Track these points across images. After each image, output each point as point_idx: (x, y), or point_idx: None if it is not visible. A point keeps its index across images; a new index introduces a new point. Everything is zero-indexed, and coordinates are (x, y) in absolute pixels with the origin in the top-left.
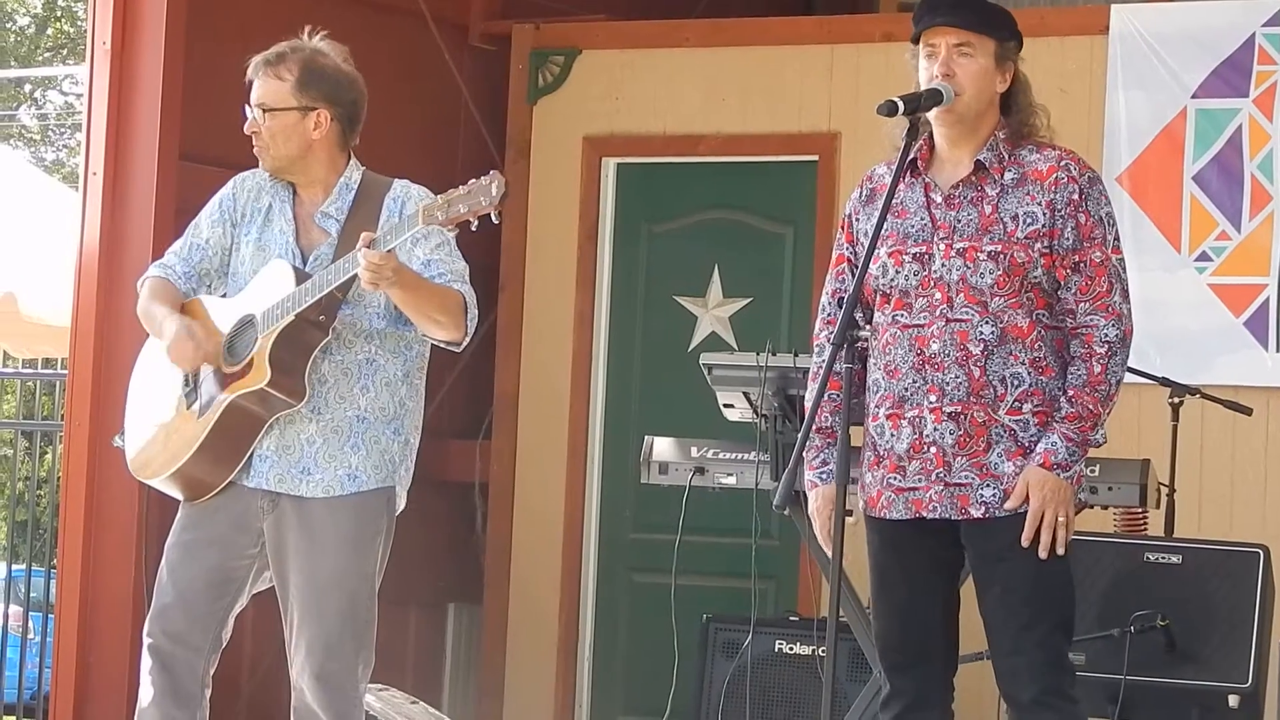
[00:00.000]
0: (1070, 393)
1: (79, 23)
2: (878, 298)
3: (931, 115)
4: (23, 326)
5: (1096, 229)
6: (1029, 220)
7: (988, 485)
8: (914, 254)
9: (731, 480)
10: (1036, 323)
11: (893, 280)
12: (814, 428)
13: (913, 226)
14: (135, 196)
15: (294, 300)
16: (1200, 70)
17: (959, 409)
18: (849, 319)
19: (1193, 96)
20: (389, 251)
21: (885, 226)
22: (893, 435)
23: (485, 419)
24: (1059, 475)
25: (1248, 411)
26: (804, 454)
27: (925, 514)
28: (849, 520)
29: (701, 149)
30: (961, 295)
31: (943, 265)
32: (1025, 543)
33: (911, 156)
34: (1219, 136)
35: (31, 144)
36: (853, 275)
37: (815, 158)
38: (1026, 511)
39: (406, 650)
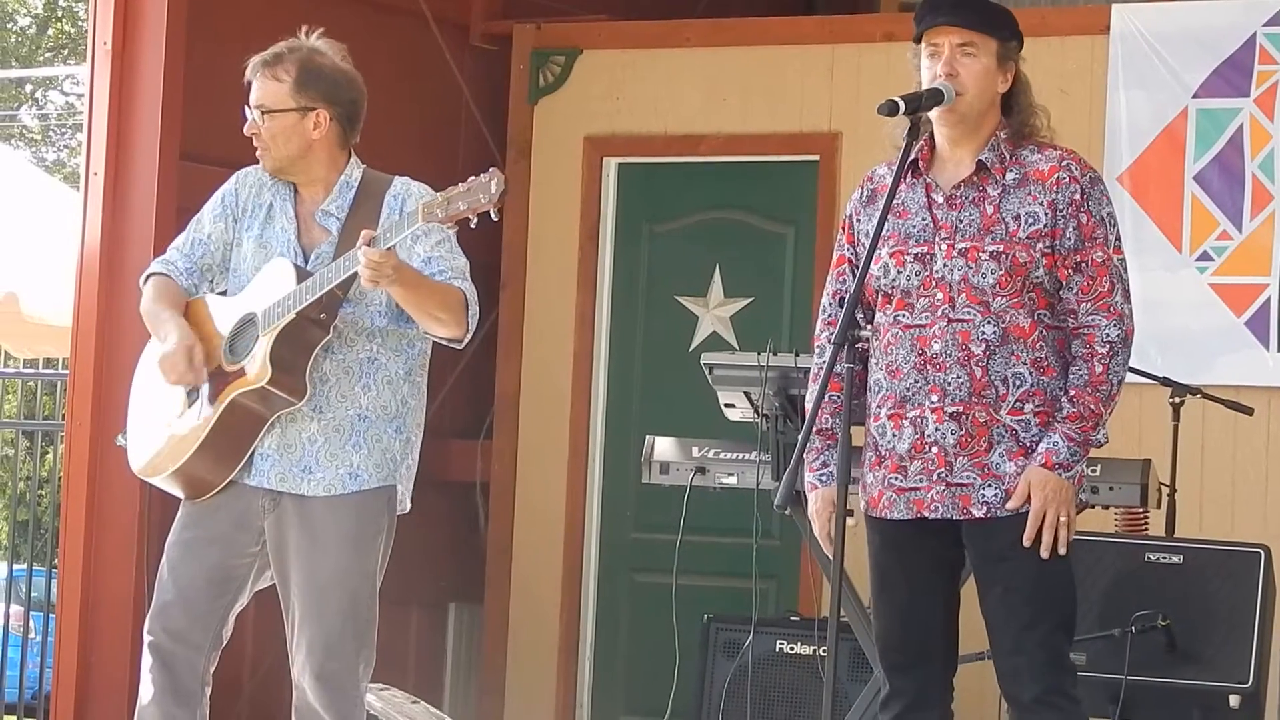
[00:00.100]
0: (1072, 393)
1: (80, 23)
2: (879, 298)
3: (933, 115)
4: (24, 326)
5: (1098, 229)
6: (1031, 220)
7: (989, 485)
8: (916, 254)
9: (732, 480)
10: (1038, 323)
11: (894, 280)
12: (814, 429)
13: (914, 227)
14: (136, 196)
15: (295, 298)
16: (1201, 70)
17: (960, 409)
18: (850, 319)
19: (1194, 96)
20: (389, 249)
21: (886, 227)
22: (894, 435)
23: (486, 419)
24: (1060, 475)
25: (1249, 411)
26: (804, 455)
27: (927, 514)
28: (850, 522)
29: (702, 149)
30: (963, 295)
31: (944, 265)
32: (1027, 543)
33: (912, 157)
34: (1220, 136)
35: (32, 144)
36: (854, 276)
37: (816, 158)
38: (1028, 511)
39: (407, 650)
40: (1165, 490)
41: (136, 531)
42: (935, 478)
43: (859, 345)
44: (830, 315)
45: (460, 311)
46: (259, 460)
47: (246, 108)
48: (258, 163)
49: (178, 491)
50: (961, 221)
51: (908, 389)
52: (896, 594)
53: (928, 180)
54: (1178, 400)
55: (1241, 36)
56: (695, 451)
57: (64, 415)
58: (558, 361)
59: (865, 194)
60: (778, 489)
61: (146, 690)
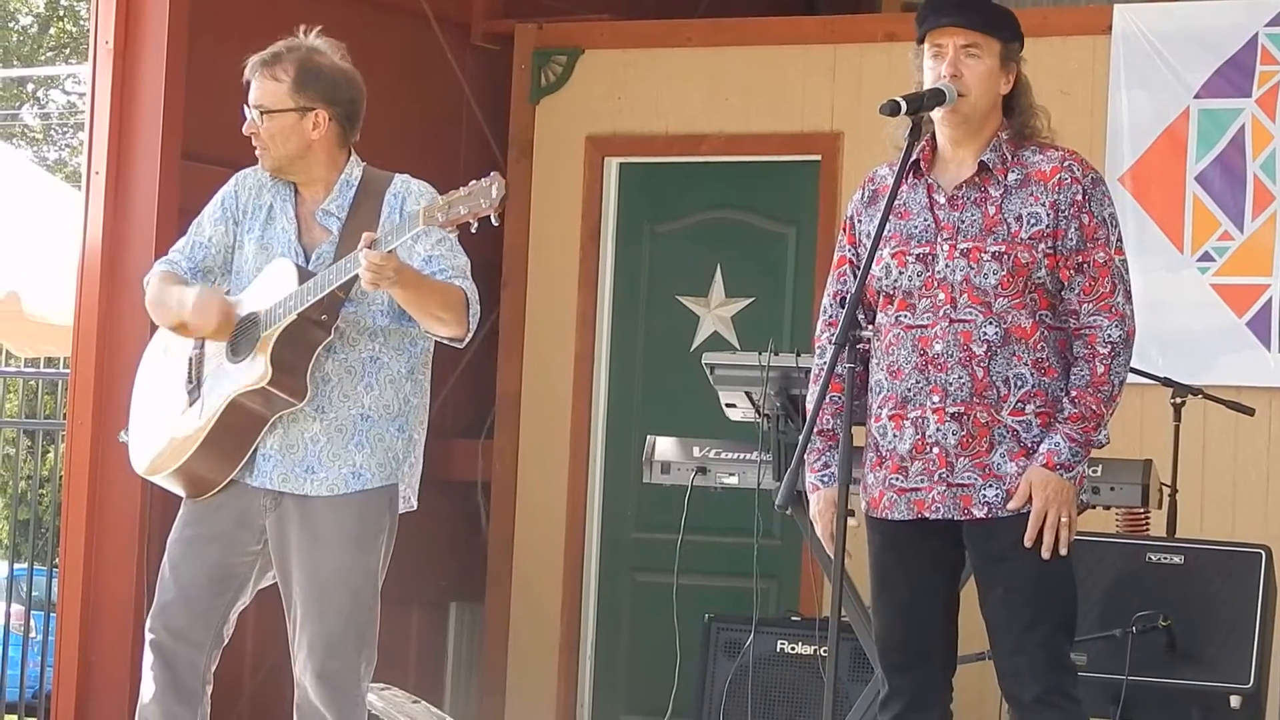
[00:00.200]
0: (1073, 393)
1: (81, 22)
2: (880, 298)
3: (935, 116)
4: (25, 325)
5: (1100, 230)
6: (1033, 221)
7: (990, 486)
8: (917, 255)
9: (733, 480)
10: (1040, 323)
11: (896, 281)
12: (815, 430)
13: (916, 227)
14: (138, 196)
15: (296, 299)
16: (1203, 70)
17: (962, 409)
18: (851, 319)
19: (1195, 96)
20: (390, 252)
21: (888, 227)
22: (895, 436)
23: (487, 418)
24: (1062, 476)
25: (1250, 412)
26: (805, 456)
27: (928, 515)
28: (851, 523)
29: (704, 149)
30: (965, 296)
31: (946, 266)
32: (1028, 543)
33: (914, 158)
34: (1221, 136)
35: (34, 143)
36: (855, 276)
37: (818, 157)
38: (1029, 512)
39: (409, 649)
40: (1166, 491)
41: (137, 531)
42: (936, 478)
43: (860, 346)
44: (831, 316)
45: (461, 310)
46: (261, 460)
47: (245, 107)
48: (259, 162)
49: (179, 490)
50: (963, 222)
51: (909, 389)
52: (897, 594)
53: (929, 181)
54: (1179, 401)
55: (1243, 37)
56: (696, 451)
57: (65, 414)
58: (559, 361)
59: (866, 195)
60: (779, 489)
61: (148, 688)
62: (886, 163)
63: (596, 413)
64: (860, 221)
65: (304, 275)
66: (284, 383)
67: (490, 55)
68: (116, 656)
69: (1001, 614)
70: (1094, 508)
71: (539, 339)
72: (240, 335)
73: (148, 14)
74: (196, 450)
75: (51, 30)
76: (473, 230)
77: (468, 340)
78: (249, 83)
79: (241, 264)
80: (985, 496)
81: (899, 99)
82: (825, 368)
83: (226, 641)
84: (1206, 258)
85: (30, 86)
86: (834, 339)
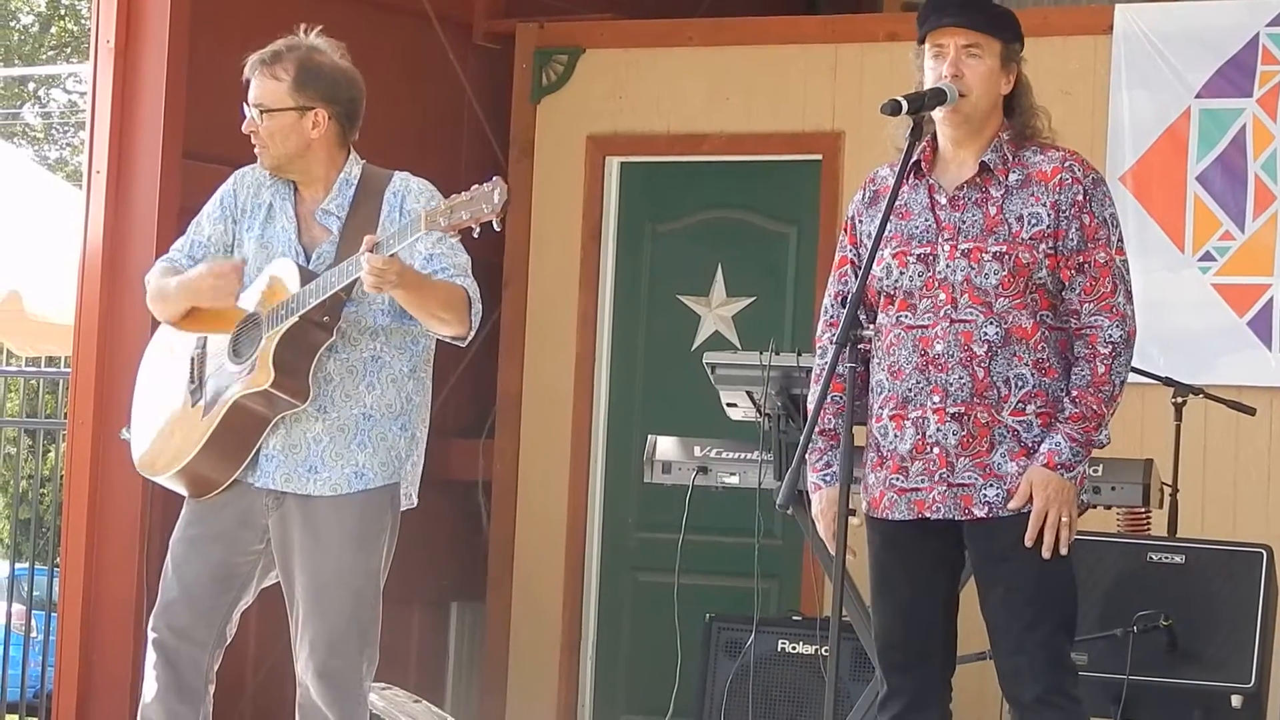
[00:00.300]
0: (1074, 393)
1: (83, 21)
2: (881, 299)
3: (937, 116)
4: (27, 325)
5: (1101, 230)
6: (1034, 221)
7: (991, 485)
8: (918, 255)
9: (734, 479)
10: (1040, 324)
11: (897, 281)
12: (817, 429)
13: (917, 228)
14: (139, 195)
15: (298, 301)
16: (1204, 70)
17: (962, 410)
18: (852, 319)
19: (1196, 96)
20: (392, 255)
21: (889, 228)
22: (896, 436)
23: (488, 418)
24: (1063, 475)
25: (1251, 411)
26: (807, 456)
27: (928, 515)
28: (854, 522)
29: (705, 148)
30: (966, 296)
31: (947, 266)
32: (1028, 543)
33: (915, 158)
34: (1223, 136)
35: (35, 142)
36: (856, 276)
37: (819, 157)
38: (1029, 512)
39: (410, 649)
40: (1167, 490)
41: (138, 530)
42: (937, 478)
43: (861, 346)
44: (832, 316)
45: (463, 310)
46: (264, 461)
47: (245, 106)
48: (258, 160)
49: (181, 490)
50: (964, 222)
51: (910, 390)
52: (897, 593)
53: (930, 181)
54: (1180, 400)
55: (1244, 37)
56: (697, 451)
57: (66, 414)
58: (560, 361)
59: (867, 195)
60: (780, 488)
61: (150, 687)
62: (887, 163)
63: (597, 412)
64: (861, 222)
65: (305, 276)
66: (286, 385)
67: (491, 54)
68: (117, 656)
69: (1002, 614)
70: (1095, 507)
71: (540, 338)
72: (242, 336)
73: (149, 13)
74: (199, 451)
75: (53, 29)
76: (475, 235)
77: (470, 339)
78: (249, 81)
79: None
80: (986, 496)
81: (900, 98)
82: (826, 367)
83: (229, 641)
84: (1207, 257)
85: (31, 85)
86: (835, 339)
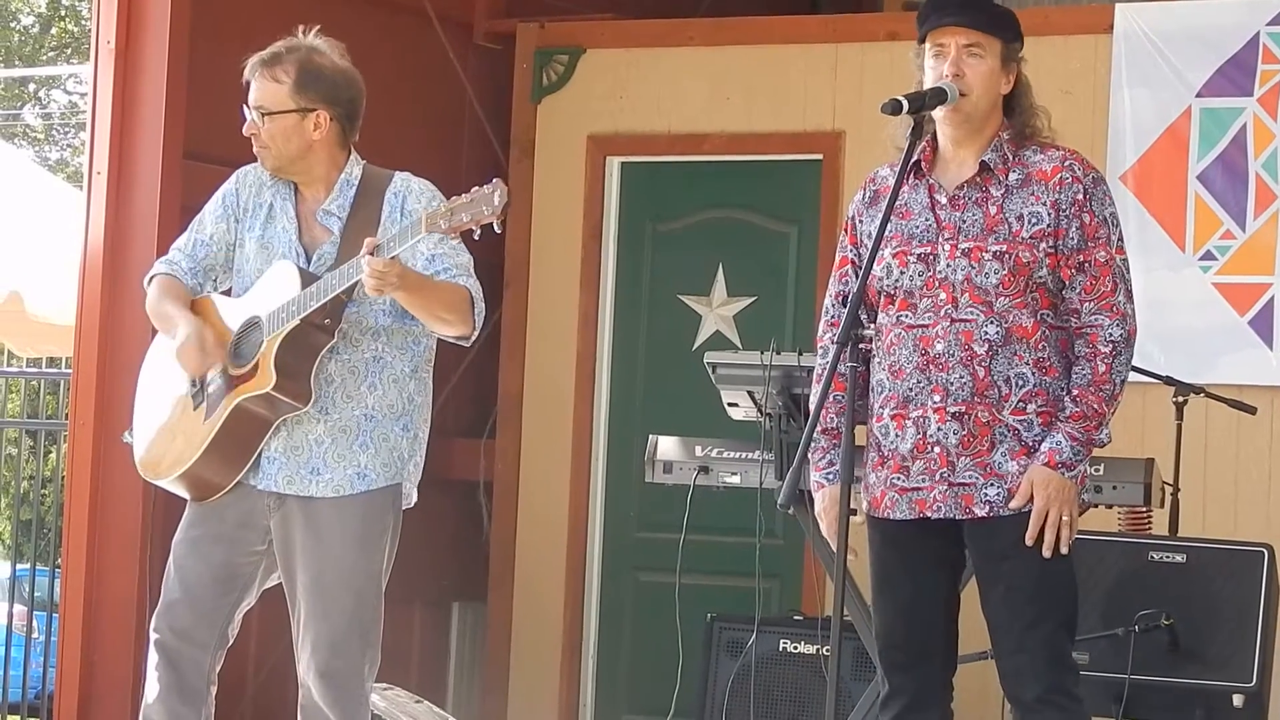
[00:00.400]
0: (1075, 392)
1: (83, 22)
2: (881, 298)
3: (937, 115)
4: (28, 325)
5: (1101, 229)
6: (1034, 220)
7: (992, 484)
8: (919, 254)
9: (736, 479)
10: (1041, 323)
11: (897, 281)
12: (819, 428)
13: (917, 227)
14: (139, 195)
15: (299, 304)
16: (1205, 69)
17: (963, 409)
18: (853, 319)
19: (1197, 95)
20: (393, 258)
21: (889, 227)
22: (897, 436)
23: (490, 418)
24: (1063, 474)
25: (1252, 410)
26: (810, 455)
27: (929, 514)
28: (857, 519)
29: (706, 148)
30: (966, 295)
31: (948, 266)
32: (1029, 541)
33: (915, 158)
34: (1223, 136)
35: (36, 143)
36: (856, 276)
37: (820, 156)
38: (1030, 511)
39: (411, 649)
40: (1168, 489)
41: (140, 530)
42: (938, 477)
43: (862, 345)
44: (833, 316)
45: (466, 310)
46: (266, 464)
47: (245, 108)
48: (257, 160)
49: (184, 493)
50: (965, 222)
51: (910, 389)
52: (898, 593)
53: (930, 181)
54: (1181, 400)
55: (1245, 36)
56: (698, 451)
57: (67, 414)
58: (561, 361)
59: (868, 195)
60: (781, 488)
61: (152, 688)
62: (887, 163)
63: (599, 412)
64: (862, 222)
65: (306, 278)
66: (288, 388)
67: (492, 54)
68: (119, 657)
69: (1003, 613)
70: (1096, 506)
71: (541, 338)
72: (243, 339)
73: (149, 14)
74: (201, 455)
75: (53, 30)
76: (476, 237)
77: (474, 338)
78: (248, 83)
79: (243, 263)
80: (987, 495)
81: (901, 98)
82: (828, 367)
83: (231, 642)
84: (1208, 257)
85: (32, 86)
86: (836, 338)
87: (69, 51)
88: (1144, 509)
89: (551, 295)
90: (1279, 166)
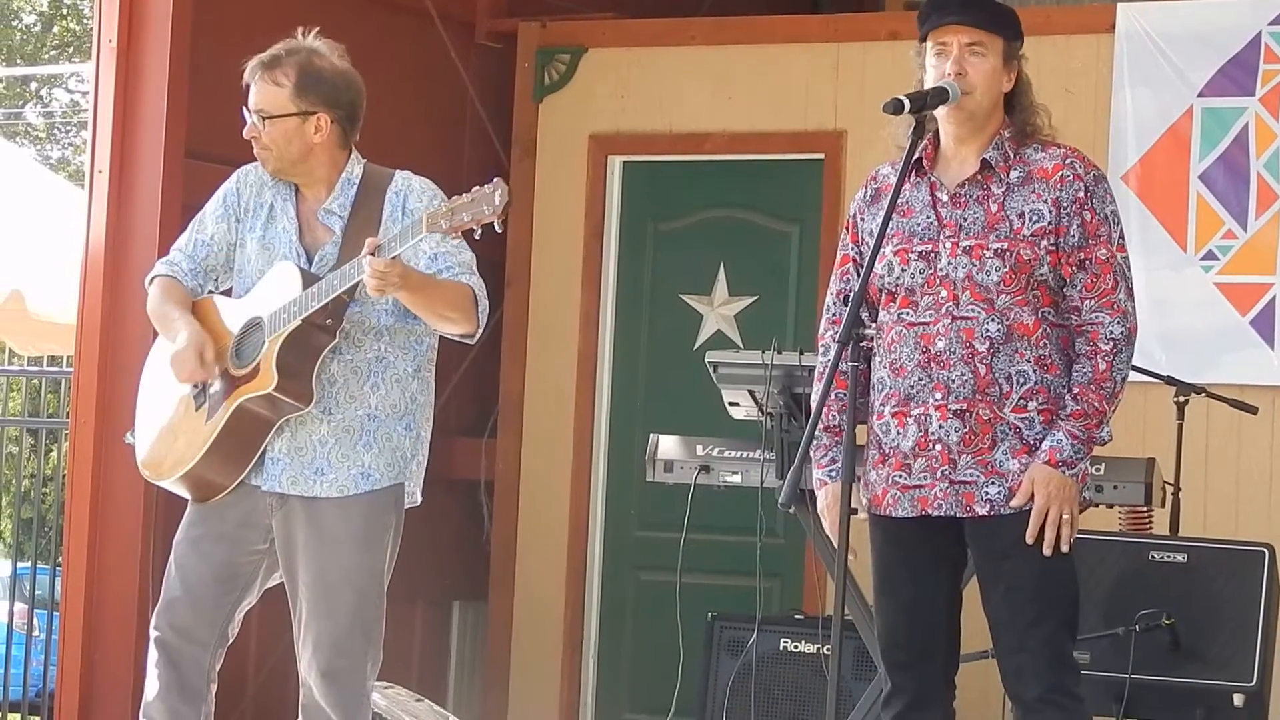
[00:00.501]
0: (1075, 390)
1: (85, 21)
2: (883, 296)
3: (939, 114)
4: (29, 324)
5: (1101, 227)
6: (1035, 218)
7: (993, 483)
8: (920, 252)
9: (737, 478)
10: (1042, 320)
11: (898, 278)
12: (821, 426)
13: (918, 225)
14: (141, 194)
15: (300, 305)
16: (1207, 69)
17: (964, 406)
18: (854, 317)
19: (1199, 95)
20: (394, 257)
21: (891, 225)
22: (898, 433)
23: (491, 417)
24: (1064, 472)
25: (1253, 410)
26: (812, 452)
27: (930, 512)
28: (860, 516)
29: (707, 147)
30: (967, 293)
31: (949, 263)
32: (1029, 540)
33: (917, 156)
34: (1225, 135)
35: (37, 142)
36: (858, 275)
37: (821, 156)
38: (1031, 509)
39: (412, 648)
40: (1169, 489)
41: (141, 529)
42: (939, 475)
43: (863, 344)
44: (835, 314)
45: (469, 308)
46: (269, 464)
47: (246, 111)
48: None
49: (186, 494)
50: (966, 219)
51: (911, 387)
52: (900, 591)
53: (932, 179)
54: (1182, 399)
55: (1247, 35)
56: (699, 450)
57: (68, 413)
58: (562, 360)
59: (869, 193)
60: (782, 487)
61: (152, 687)
62: (889, 161)
63: (600, 411)
64: (863, 220)
65: (307, 279)
66: (289, 388)
67: (494, 54)
68: (120, 655)
69: (1004, 612)
70: (1097, 506)
71: (542, 338)
72: (244, 340)
73: (151, 12)
74: (203, 456)
75: (55, 29)
76: (476, 236)
77: (479, 337)
78: (248, 86)
79: (244, 263)
80: (988, 494)
81: (903, 97)
82: (829, 365)
83: (232, 640)
84: (1210, 256)
85: (34, 85)
86: (838, 337)
87: (71, 50)
88: (1145, 509)
89: (553, 294)
90: None
